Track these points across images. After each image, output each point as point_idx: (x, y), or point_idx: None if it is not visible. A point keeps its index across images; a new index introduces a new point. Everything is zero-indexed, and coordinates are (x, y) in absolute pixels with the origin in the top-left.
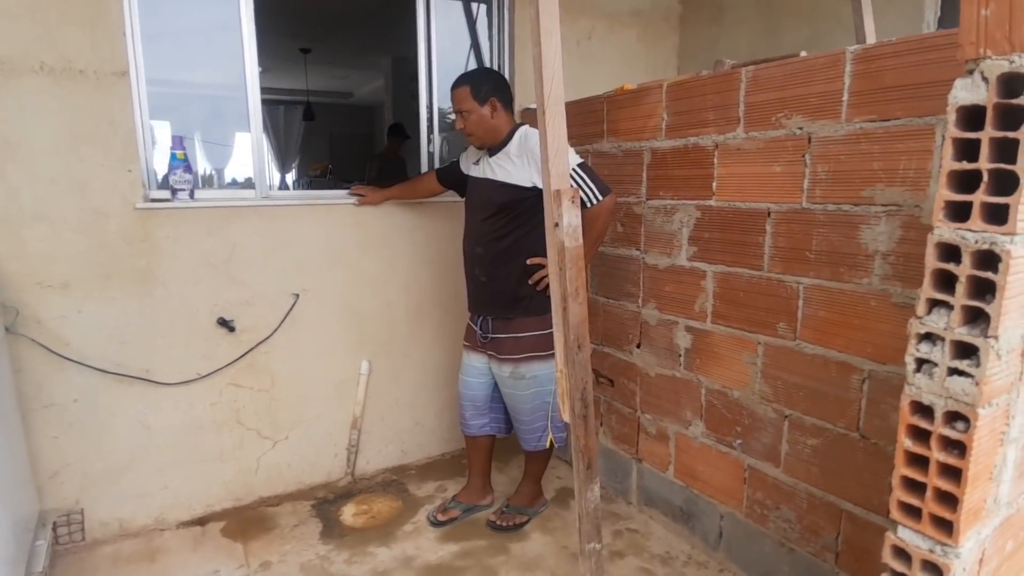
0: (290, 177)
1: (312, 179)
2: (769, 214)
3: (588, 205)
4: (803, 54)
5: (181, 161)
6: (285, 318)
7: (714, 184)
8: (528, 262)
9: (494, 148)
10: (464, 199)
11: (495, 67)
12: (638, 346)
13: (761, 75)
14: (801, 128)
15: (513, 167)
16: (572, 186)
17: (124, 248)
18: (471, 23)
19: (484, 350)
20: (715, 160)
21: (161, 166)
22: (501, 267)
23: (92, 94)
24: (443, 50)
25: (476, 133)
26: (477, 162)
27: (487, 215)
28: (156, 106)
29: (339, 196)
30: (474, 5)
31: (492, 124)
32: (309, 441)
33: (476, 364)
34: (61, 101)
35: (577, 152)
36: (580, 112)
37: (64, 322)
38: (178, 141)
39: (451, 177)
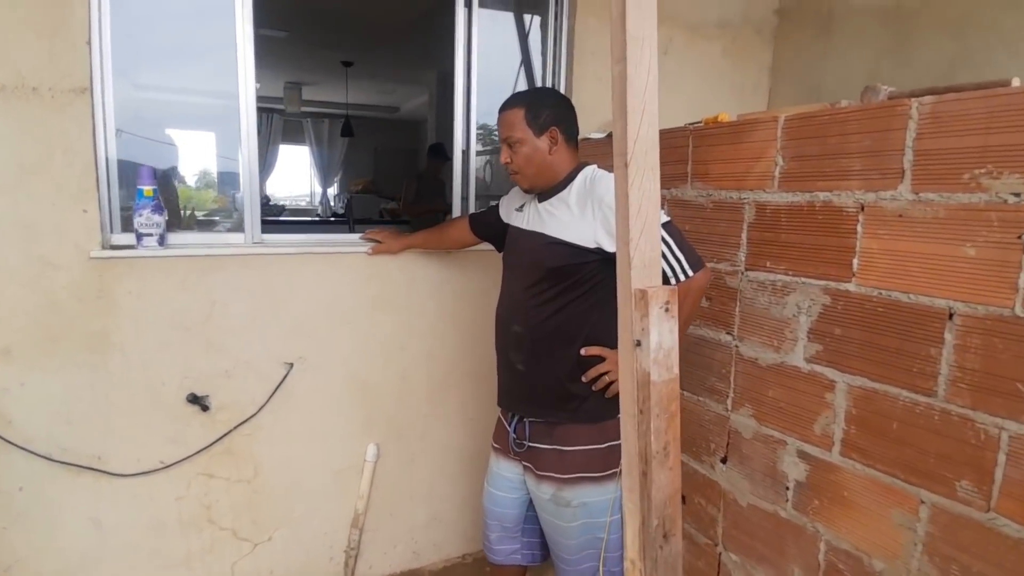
0: (332, 191)
1: (353, 195)
2: (951, 316)
3: (672, 281)
4: (1016, 82)
5: (149, 199)
6: (274, 393)
7: (855, 261)
8: (583, 352)
9: (546, 192)
10: (504, 251)
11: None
12: (723, 460)
13: (946, 110)
14: (1019, 195)
15: (571, 219)
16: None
17: (75, 306)
18: (522, 35)
19: (518, 459)
20: (859, 227)
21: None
22: (546, 354)
23: (45, 116)
24: (489, 66)
25: (525, 171)
26: (521, 208)
27: (531, 281)
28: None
29: (348, 243)
30: (526, 16)
31: (548, 162)
32: (298, 543)
33: (507, 475)
34: (8, 125)
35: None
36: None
37: (5, 396)
38: (147, 173)
39: (488, 226)
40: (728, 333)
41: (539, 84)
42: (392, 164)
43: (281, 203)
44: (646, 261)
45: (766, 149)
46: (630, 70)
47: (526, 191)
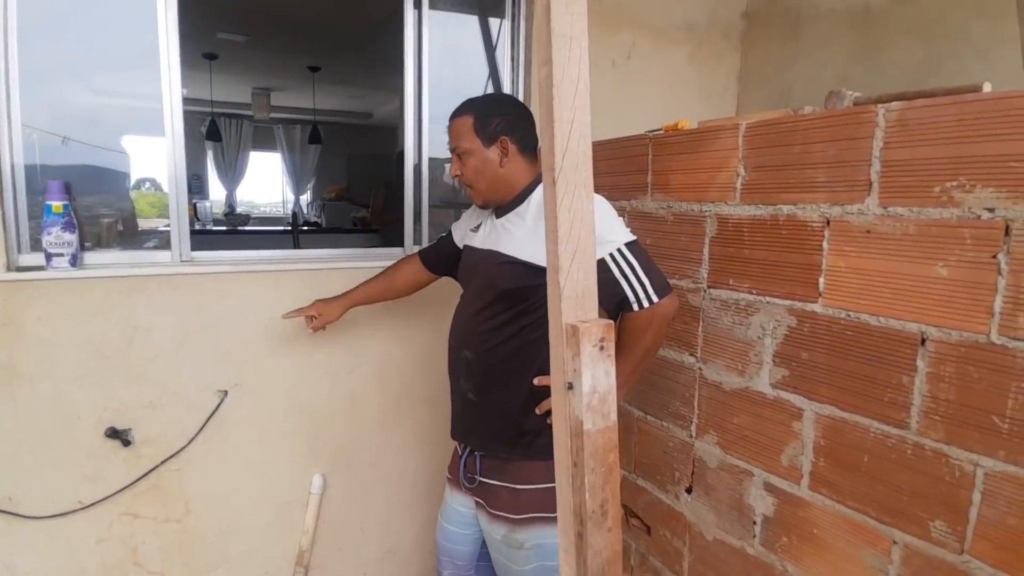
0: (304, 199)
1: (327, 202)
2: (924, 342)
3: (635, 308)
4: (988, 87)
5: (59, 216)
6: (206, 423)
7: (821, 280)
8: (536, 382)
9: (504, 207)
10: (458, 272)
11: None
12: (688, 491)
13: (914, 118)
14: (992, 210)
15: (527, 236)
16: (616, 296)
17: None
18: (488, 41)
19: (470, 494)
20: (825, 244)
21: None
22: (498, 384)
23: None
24: (453, 72)
25: (477, 185)
26: (477, 228)
27: (482, 304)
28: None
29: (289, 259)
30: (492, 20)
31: (500, 174)
32: None
33: (460, 508)
34: None
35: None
36: (614, 156)
37: None
38: (56, 188)
39: (443, 258)
40: (691, 355)
41: (507, 91)
42: (366, 170)
43: (246, 212)
44: (579, 291)
45: (728, 159)
46: (557, 74)
47: (481, 207)
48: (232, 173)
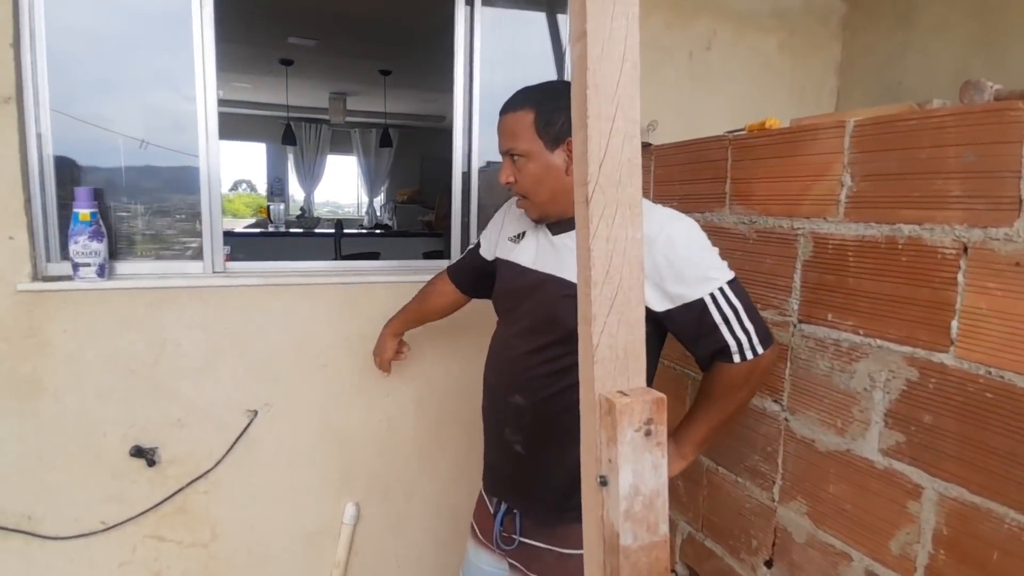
0: (378, 201)
1: (399, 205)
2: None
3: (737, 359)
4: None
5: (86, 224)
6: (235, 444)
7: (955, 325)
8: None
9: (564, 222)
10: (495, 294)
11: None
12: (768, 564)
13: None
14: None
15: None
16: (714, 345)
17: (0, 347)
18: (556, 40)
19: (504, 554)
20: (960, 277)
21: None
22: (557, 437)
23: None
24: (513, 79)
25: (536, 196)
26: (519, 237)
27: (541, 342)
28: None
29: (324, 272)
30: (562, 16)
31: (566, 184)
32: None
33: (487, 569)
34: None
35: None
36: (687, 161)
37: None
38: (84, 195)
39: (475, 278)
40: (776, 402)
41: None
42: (438, 174)
43: (318, 215)
44: (620, 351)
45: (829, 164)
46: (593, 52)
47: (535, 220)
48: (310, 176)
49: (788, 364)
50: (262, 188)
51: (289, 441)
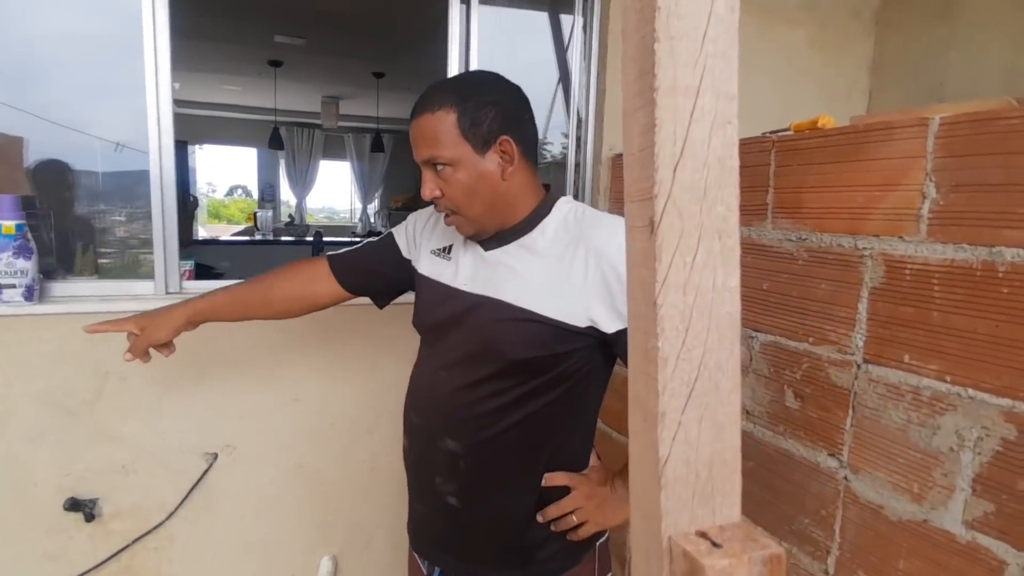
0: (372, 208)
1: (392, 211)
2: None
3: None
4: None
5: (10, 238)
6: (191, 493)
7: None
8: (546, 482)
9: (501, 236)
10: (415, 319)
11: (589, 109)
12: None
13: None
14: None
15: (546, 281)
16: None
17: None
18: (559, 40)
19: None
20: None
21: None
22: (497, 486)
23: None
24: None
25: (469, 210)
26: (446, 251)
27: (478, 376)
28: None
29: None
30: (564, 17)
31: (503, 191)
32: None
33: None
34: None
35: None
36: None
37: None
38: (10, 203)
39: (371, 273)
40: (833, 456)
41: (581, 100)
42: None
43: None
44: (702, 468)
45: (906, 171)
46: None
47: (471, 237)
48: (302, 182)
49: (850, 412)
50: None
51: (255, 487)
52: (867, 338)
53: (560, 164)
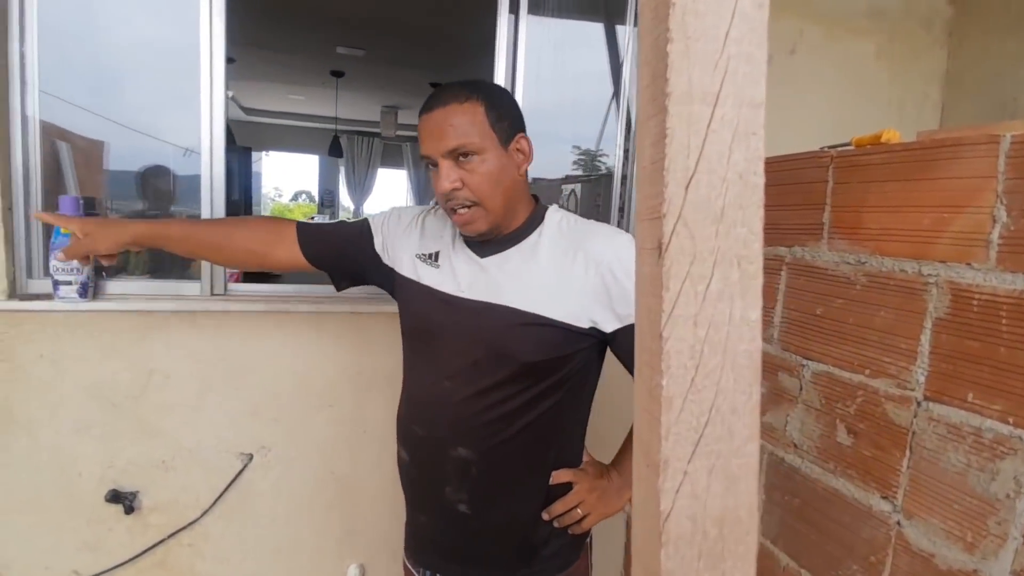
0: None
1: None
2: None
3: None
4: None
5: (67, 237)
6: (226, 491)
7: None
8: (553, 480)
9: (499, 241)
10: (407, 328)
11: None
12: None
13: None
14: None
15: (550, 282)
16: None
17: None
18: (613, 52)
19: None
20: None
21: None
22: (508, 490)
23: None
24: (558, 97)
25: (491, 202)
26: (433, 257)
27: (490, 382)
28: None
29: (332, 298)
30: (621, 28)
31: (519, 188)
32: None
33: None
34: None
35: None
36: (769, 182)
37: None
38: (69, 204)
39: (338, 253)
40: (886, 498)
41: (629, 106)
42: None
43: None
44: (710, 526)
45: (976, 192)
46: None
47: (479, 237)
48: (360, 188)
49: (908, 453)
50: None
51: (287, 490)
52: (929, 373)
53: (608, 176)
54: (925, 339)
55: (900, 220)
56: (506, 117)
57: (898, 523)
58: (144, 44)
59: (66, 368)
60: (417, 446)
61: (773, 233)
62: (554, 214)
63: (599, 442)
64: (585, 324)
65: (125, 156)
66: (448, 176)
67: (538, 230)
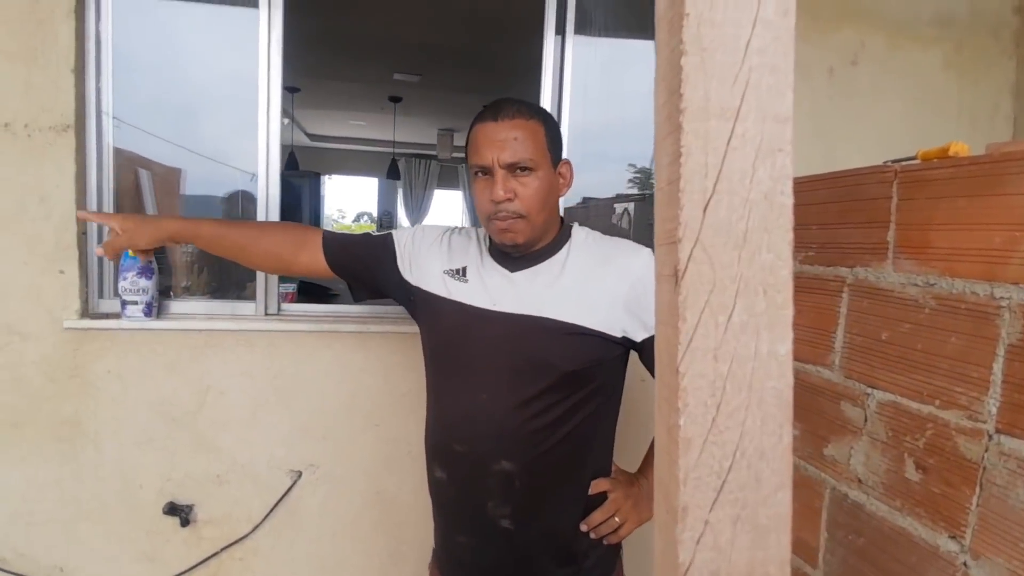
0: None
1: None
2: None
3: None
4: None
5: (135, 259)
6: (275, 507)
7: None
8: (591, 490)
9: (531, 256)
10: (434, 345)
11: None
12: None
13: None
14: None
15: (584, 294)
16: None
17: (45, 385)
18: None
19: None
20: None
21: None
22: (549, 501)
23: (20, 158)
24: (604, 118)
25: (536, 217)
26: (461, 273)
27: (532, 392)
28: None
29: (379, 317)
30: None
31: (556, 208)
32: None
33: None
34: None
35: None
36: (830, 199)
37: None
38: None
39: (360, 267)
40: (953, 538)
41: None
42: None
43: None
44: None
45: None
46: None
47: (515, 247)
48: (417, 209)
49: (977, 490)
50: None
51: (333, 508)
52: (1001, 404)
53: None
54: (997, 367)
55: (970, 239)
56: (557, 142)
57: (964, 564)
58: (215, 77)
59: (131, 384)
60: (456, 464)
61: (833, 253)
62: (579, 232)
63: (619, 450)
64: (618, 333)
65: (197, 182)
66: (504, 186)
67: (566, 246)
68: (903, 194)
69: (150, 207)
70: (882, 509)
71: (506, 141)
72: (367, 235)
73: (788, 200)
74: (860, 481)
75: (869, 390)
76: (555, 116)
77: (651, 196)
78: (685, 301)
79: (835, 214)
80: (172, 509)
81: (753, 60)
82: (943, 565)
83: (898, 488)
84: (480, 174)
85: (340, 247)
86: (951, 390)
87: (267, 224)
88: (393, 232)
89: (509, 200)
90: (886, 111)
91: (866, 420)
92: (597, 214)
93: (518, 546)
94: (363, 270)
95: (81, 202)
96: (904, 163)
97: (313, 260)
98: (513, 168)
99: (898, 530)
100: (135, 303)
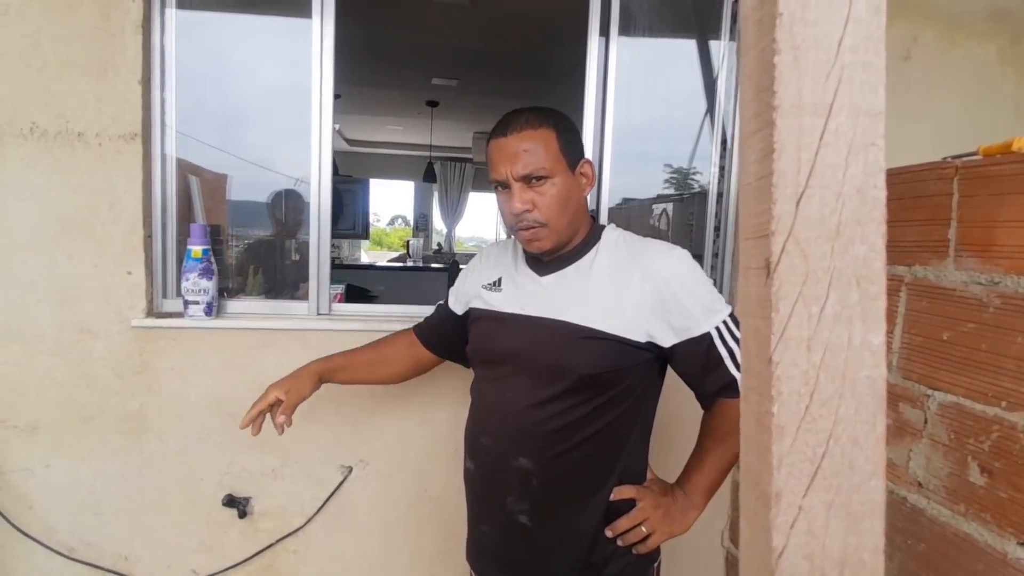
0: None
1: None
2: None
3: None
4: None
5: (197, 261)
6: (327, 502)
7: None
8: (614, 496)
9: (557, 260)
10: (472, 352)
11: (735, 136)
12: None
13: None
14: None
15: (607, 298)
16: (720, 381)
17: (112, 381)
18: (707, 70)
19: None
20: None
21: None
22: (567, 502)
23: (91, 166)
24: (647, 120)
25: (557, 223)
26: (496, 284)
27: (550, 393)
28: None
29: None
30: (715, 43)
31: (582, 209)
32: None
33: None
34: (50, 175)
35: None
36: (891, 196)
37: (28, 478)
38: (198, 231)
39: (442, 335)
40: (1022, 544)
41: (723, 122)
42: None
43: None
44: (828, 568)
45: None
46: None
47: (544, 255)
48: (453, 212)
49: None
50: None
51: (382, 504)
52: None
53: (702, 195)
54: None
55: None
56: (573, 143)
57: None
58: (264, 86)
59: (192, 380)
60: (482, 456)
61: (890, 251)
62: (610, 233)
63: (661, 459)
64: (642, 338)
65: (242, 187)
66: (520, 198)
67: (595, 248)
68: (965, 190)
69: (199, 212)
70: (944, 514)
71: (517, 154)
72: (440, 306)
73: (881, 193)
74: (920, 485)
75: (929, 391)
76: (599, 118)
77: (689, 197)
78: (778, 292)
79: (891, 212)
80: (231, 501)
81: (845, 58)
82: (1012, 573)
83: (961, 492)
84: (500, 188)
85: (429, 335)
86: (1018, 391)
87: (378, 342)
88: (449, 293)
89: (528, 211)
90: (940, 106)
91: (926, 422)
92: (637, 215)
93: (536, 543)
94: (452, 343)
95: (147, 211)
96: (965, 159)
97: (425, 355)
98: (528, 179)
99: (962, 536)
100: (196, 303)
